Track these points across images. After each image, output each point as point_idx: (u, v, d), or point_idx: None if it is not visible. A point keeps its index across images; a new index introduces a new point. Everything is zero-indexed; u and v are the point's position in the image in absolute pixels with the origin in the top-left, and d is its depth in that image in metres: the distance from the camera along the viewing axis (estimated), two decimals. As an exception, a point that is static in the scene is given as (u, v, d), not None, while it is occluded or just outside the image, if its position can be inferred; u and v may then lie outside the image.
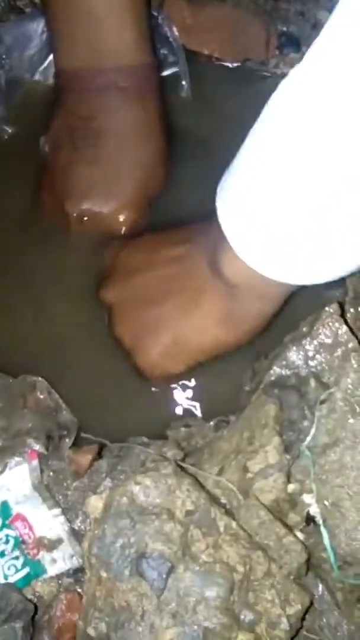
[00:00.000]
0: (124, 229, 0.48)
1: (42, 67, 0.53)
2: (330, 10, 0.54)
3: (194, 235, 0.43)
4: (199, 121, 0.52)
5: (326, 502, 0.36)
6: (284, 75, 0.54)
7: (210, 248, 0.40)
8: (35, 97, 0.53)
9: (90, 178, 0.47)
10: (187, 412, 0.45)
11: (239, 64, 0.56)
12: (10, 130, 0.52)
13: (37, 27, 0.51)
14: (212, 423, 0.43)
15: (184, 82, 0.52)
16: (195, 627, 0.31)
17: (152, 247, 0.44)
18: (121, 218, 0.48)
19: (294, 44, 0.55)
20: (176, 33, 0.52)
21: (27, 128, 0.52)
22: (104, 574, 0.33)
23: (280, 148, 0.32)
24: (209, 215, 0.43)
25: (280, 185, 0.33)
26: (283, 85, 0.32)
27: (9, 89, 0.52)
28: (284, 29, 0.55)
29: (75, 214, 0.47)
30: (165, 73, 0.53)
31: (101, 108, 0.46)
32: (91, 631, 0.32)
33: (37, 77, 0.53)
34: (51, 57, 0.52)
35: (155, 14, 0.51)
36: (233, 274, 0.38)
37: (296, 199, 0.32)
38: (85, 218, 0.47)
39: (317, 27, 0.55)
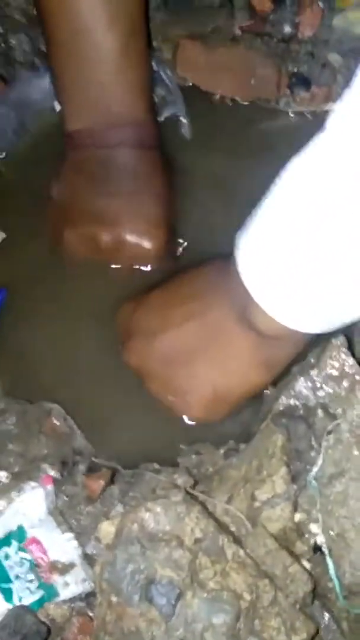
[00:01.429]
0: (154, 251, 0.49)
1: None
2: (339, 52, 0.57)
3: (206, 286, 0.43)
4: (203, 159, 0.54)
5: (332, 532, 0.36)
6: (294, 113, 0.57)
7: (233, 301, 0.40)
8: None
9: (116, 207, 0.48)
10: (198, 440, 0.46)
11: (249, 102, 0.58)
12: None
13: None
14: (222, 451, 0.44)
15: (184, 121, 0.54)
16: (203, 653, 0.32)
17: (166, 304, 0.44)
18: (151, 241, 0.48)
19: (304, 84, 0.57)
20: (170, 74, 0.55)
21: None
22: (114, 599, 0.34)
23: (310, 203, 0.33)
24: (215, 259, 0.44)
25: (313, 243, 0.33)
26: (316, 140, 0.33)
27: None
28: (295, 69, 0.57)
29: (110, 241, 0.48)
30: (166, 114, 0.55)
31: (110, 160, 0.48)
32: (101, 655, 0.33)
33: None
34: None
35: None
36: (265, 327, 0.38)
37: (329, 256, 0.33)
38: (118, 243, 0.48)
39: (326, 67, 0.57)
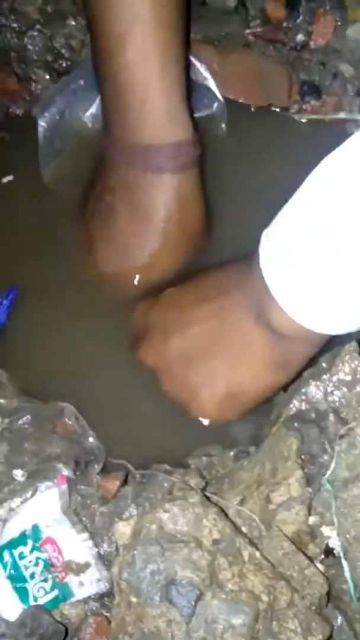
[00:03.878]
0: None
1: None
2: (351, 63, 0.58)
3: (226, 286, 0.43)
4: (229, 159, 0.54)
5: (347, 536, 0.37)
6: (305, 121, 0.58)
7: (252, 300, 0.40)
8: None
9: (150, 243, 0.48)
10: (208, 442, 0.46)
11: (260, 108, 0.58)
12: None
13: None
14: (232, 453, 0.44)
15: (222, 125, 0.54)
16: (223, 654, 0.32)
17: (184, 303, 0.44)
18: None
19: (315, 92, 0.58)
20: (209, 74, 0.54)
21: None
22: (133, 599, 0.34)
23: (340, 201, 0.33)
24: (235, 259, 0.44)
25: (338, 241, 0.33)
26: (353, 136, 0.33)
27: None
28: (306, 77, 0.58)
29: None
30: (202, 114, 0.55)
31: (147, 185, 0.46)
32: (120, 655, 0.33)
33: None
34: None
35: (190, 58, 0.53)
36: (283, 327, 0.39)
37: (354, 256, 0.33)
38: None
39: (337, 77, 0.58)
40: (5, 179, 0.53)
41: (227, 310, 0.42)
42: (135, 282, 0.49)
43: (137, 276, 0.49)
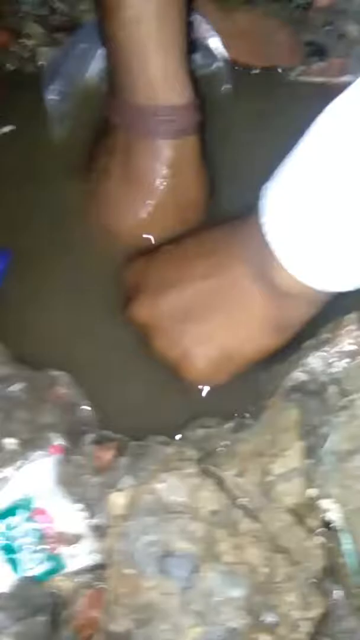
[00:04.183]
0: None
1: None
2: (358, 23, 0.56)
3: (224, 243, 0.42)
4: (229, 121, 0.52)
5: (347, 508, 0.36)
6: (307, 84, 0.56)
7: (252, 258, 0.39)
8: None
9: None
10: (205, 413, 0.45)
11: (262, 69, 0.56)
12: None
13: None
14: (230, 424, 0.43)
15: (227, 85, 0.52)
16: (219, 626, 0.32)
17: (182, 259, 0.43)
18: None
19: (320, 54, 0.56)
20: (213, 31, 0.52)
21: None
22: (127, 571, 0.33)
23: (346, 149, 0.32)
24: (234, 217, 0.43)
25: (342, 193, 0.32)
26: (358, 81, 0.32)
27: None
28: (311, 38, 0.56)
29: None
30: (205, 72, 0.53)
31: (140, 149, 0.46)
32: (114, 628, 0.32)
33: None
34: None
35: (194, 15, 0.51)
36: (283, 285, 0.38)
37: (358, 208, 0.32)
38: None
39: (343, 38, 0.56)
40: (6, 128, 0.51)
41: (224, 267, 0.41)
42: (124, 244, 0.48)
43: (126, 238, 0.48)
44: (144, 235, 0.48)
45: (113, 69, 0.46)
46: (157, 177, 0.46)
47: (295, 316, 0.41)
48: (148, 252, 0.46)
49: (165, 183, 0.46)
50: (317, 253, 0.35)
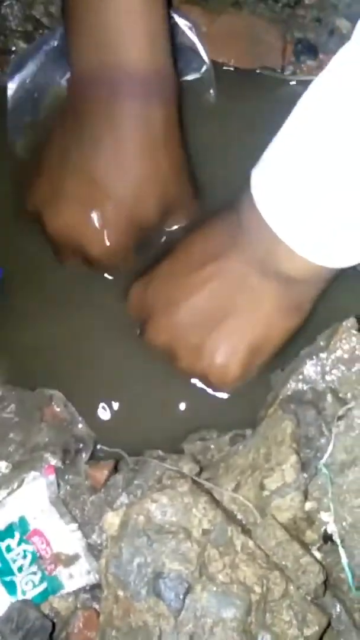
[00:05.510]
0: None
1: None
2: (348, 17, 0.54)
3: (220, 243, 0.41)
4: (220, 126, 0.51)
5: (344, 523, 0.35)
6: (300, 83, 0.55)
7: (251, 250, 0.39)
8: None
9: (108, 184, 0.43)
10: (202, 426, 0.45)
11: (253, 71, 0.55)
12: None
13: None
14: (228, 437, 0.43)
15: (211, 91, 0.51)
16: (213, 648, 0.31)
17: (181, 272, 0.42)
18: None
19: (311, 51, 0.55)
20: (196, 37, 0.51)
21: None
22: (121, 593, 0.33)
23: (337, 118, 0.31)
24: (219, 213, 0.41)
25: (337, 163, 0.32)
26: (341, 51, 0.31)
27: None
28: (301, 36, 0.55)
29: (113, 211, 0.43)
30: (189, 78, 0.51)
31: (114, 116, 0.42)
32: (108, 650, 0.32)
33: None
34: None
35: (175, 18, 0.50)
36: (293, 269, 0.38)
37: (356, 177, 0.32)
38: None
39: (334, 34, 0.54)
40: None
41: (226, 268, 0.41)
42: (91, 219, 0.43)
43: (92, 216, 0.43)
44: (108, 207, 0.43)
45: (83, 32, 0.42)
46: (129, 145, 0.42)
47: (307, 295, 0.41)
48: (141, 276, 0.45)
49: (141, 154, 0.43)
50: (316, 226, 0.34)
